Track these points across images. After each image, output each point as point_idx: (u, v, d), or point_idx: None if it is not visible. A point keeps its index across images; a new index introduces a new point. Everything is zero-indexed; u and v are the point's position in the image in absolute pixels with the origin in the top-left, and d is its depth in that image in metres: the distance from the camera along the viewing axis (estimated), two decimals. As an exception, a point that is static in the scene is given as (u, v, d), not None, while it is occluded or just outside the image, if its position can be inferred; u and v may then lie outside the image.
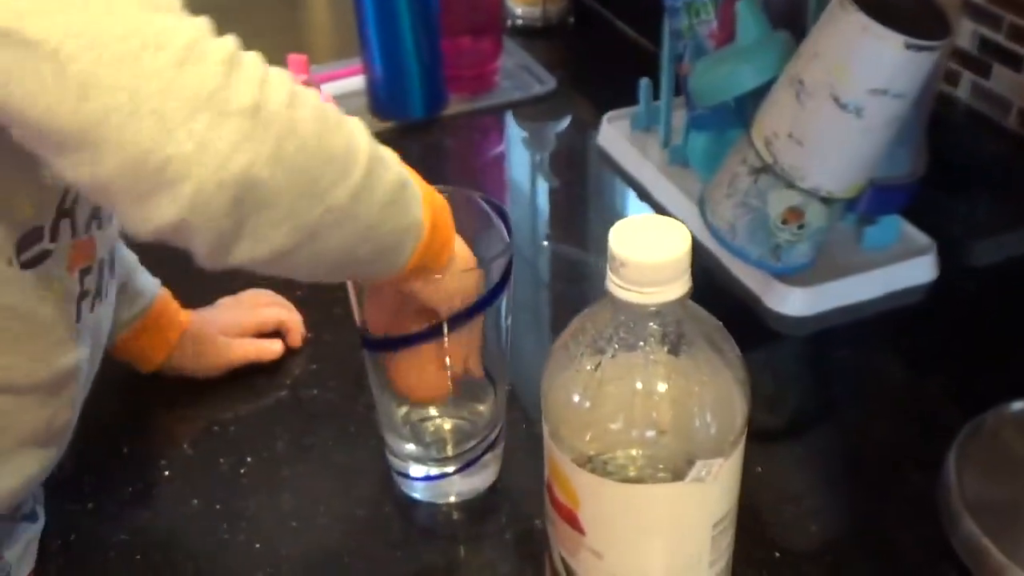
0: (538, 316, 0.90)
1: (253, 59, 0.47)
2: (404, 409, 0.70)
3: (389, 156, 0.54)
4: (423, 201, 0.56)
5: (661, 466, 0.50)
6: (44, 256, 0.57)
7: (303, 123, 0.47)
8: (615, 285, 0.47)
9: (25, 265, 0.56)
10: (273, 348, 0.80)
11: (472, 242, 0.65)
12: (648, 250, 0.46)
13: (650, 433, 0.49)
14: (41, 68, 0.43)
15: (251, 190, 0.45)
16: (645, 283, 0.46)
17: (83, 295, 0.61)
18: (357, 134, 0.51)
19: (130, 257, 0.76)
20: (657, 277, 0.46)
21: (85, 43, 0.43)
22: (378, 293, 0.63)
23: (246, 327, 0.81)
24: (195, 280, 0.83)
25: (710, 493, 0.50)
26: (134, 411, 0.77)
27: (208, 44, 0.45)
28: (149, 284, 0.77)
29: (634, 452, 0.50)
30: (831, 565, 0.65)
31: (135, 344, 0.76)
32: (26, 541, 0.64)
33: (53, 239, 0.57)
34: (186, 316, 0.79)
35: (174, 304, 0.79)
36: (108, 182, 0.45)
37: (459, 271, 0.60)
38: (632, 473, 0.50)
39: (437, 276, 0.59)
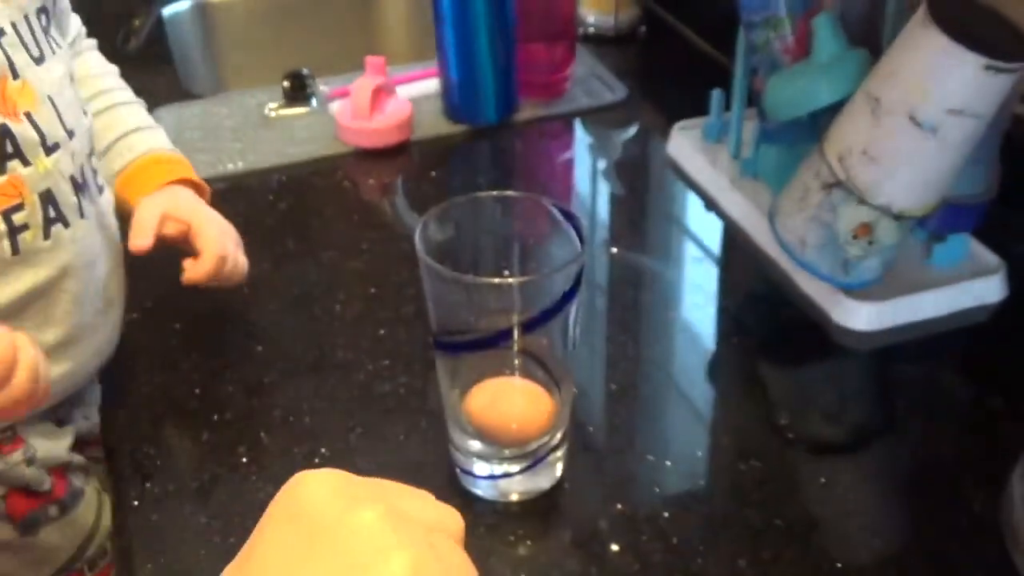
0: (602, 322, 0.91)
1: None
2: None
3: None
4: None
5: None
6: None
7: None
8: None
9: None
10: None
11: (541, 248, 0.66)
12: None
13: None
14: None
15: None
16: None
17: (16, 230, 0.66)
18: None
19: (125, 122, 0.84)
20: None
21: None
22: None
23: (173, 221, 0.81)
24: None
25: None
26: (213, 400, 0.79)
27: None
28: (142, 144, 0.83)
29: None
30: (893, 579, 0.66)
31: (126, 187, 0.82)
32: None
33: None
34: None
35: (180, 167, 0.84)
36: None
37: None
38: None
39: None
